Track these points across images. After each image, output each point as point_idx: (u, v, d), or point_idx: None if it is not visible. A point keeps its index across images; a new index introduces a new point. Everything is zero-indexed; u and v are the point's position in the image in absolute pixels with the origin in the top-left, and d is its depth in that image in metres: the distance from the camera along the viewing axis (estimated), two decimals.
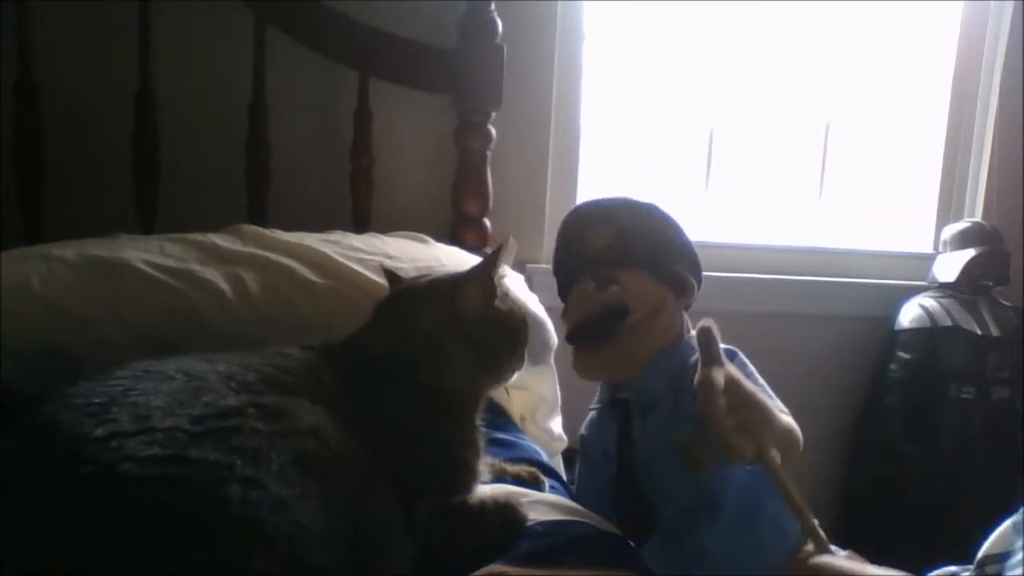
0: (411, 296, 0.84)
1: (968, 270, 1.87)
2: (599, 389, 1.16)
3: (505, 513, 0.79)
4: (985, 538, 0.63)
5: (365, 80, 1.56)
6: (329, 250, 1.21)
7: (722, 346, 0.93)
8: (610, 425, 1.09)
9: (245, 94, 1.52)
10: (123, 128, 1.47)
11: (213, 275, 1.13)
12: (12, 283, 1.05)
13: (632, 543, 0.91)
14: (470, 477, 0.79)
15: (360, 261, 1.19)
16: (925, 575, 0.65)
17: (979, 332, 1.83)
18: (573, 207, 1.19)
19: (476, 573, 0.71)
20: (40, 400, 0.61)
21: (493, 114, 1.60)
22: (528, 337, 0.87)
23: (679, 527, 0.97)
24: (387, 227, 1.47)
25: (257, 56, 1.51)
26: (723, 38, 2.01)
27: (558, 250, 1.16)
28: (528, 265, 1.78)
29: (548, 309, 1.29)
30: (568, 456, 1.38)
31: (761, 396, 0.79)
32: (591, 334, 1.06)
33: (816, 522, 0.74)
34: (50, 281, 1.07)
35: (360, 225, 1.57)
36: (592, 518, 0.88)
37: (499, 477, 0.91)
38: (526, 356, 0.88)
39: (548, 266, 1.80)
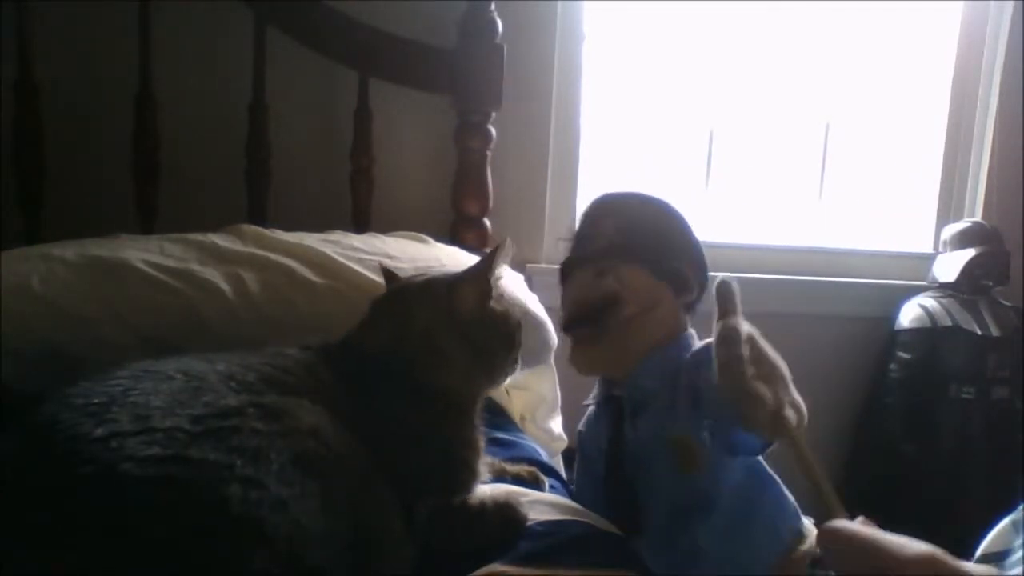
0: (407, 294, 0.84)
1: (968, 270, 1.87)
2: (596, 385, 1.16)
3: (505, 513, 0.79)
4: (983, 536, 0.63)
5: (365, 80, 1.56)
6: (329, 250, 1.21)
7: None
8: (604, 422, 1.09)
9: (245, 94, 1.52)
10: (123, 128, 1.47)
11: (213, 275, 1.13)
12: (12, 283, 1.05)
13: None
14: (470, 477, 0.79)
15: (360, 261, 1.19)
16: None
17: (979, 332, 1.82)
18: (591, 200, 1.17)
19: (476, 573, 0.71)
20: (40, 400, 0.61)
21: (493, 114, 1.60)
22: (521, 340, 0.87)
23: (672, 526, 0.96)
24: (387, 227, 1.47)
25: (257, 56, 1.51)
26: (723, 38, 2.01)
27: (574, 239, 1.15)
28: (528, 265, 1.78)
29: (548, 309, 1.29)
30: (568, 456, 1.38)
31: (778, 358, 0.77)
32: (582, 322, 1.06)
33: (832, 490, 0.71)
34: (50, 281, 1.07)
35: (360, 225, 1.57)
36: (592, 518, 0.88)
37: (499, 477, 0.91)
38: (519, 359, 0.88)
39: (548, 266, 1.82)
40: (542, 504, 0.86)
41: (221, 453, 0.55)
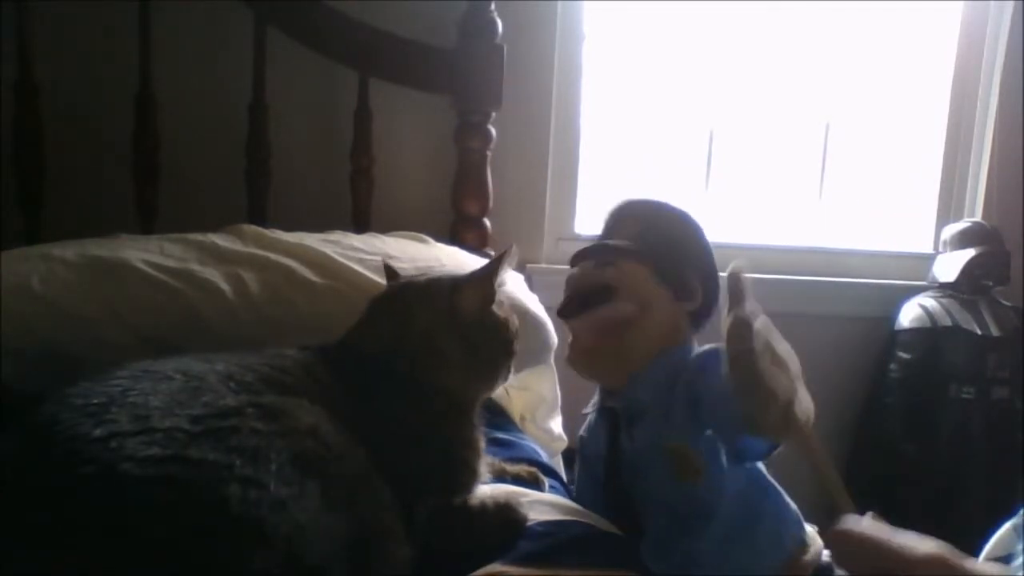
0: (408, 294, 0.84)
1: (968, 270, 1.87)
2: (597, 392, 1.16)
3: (505, 513, 0.79)
4: (985, 541, 0.63)
5: (365, 80, 1.56)
6: (329, 250, 1.21)
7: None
8: (602, 431, 1.09)
9: (245, 94, 1.52)
10: (123, 128, 1.47)
11: (213, 275, 1.13)
12: (12, 283, 1.05)
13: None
14: (470, 477, 0.79)
15: (360, 261, 1.19)
16: None
17: (979, 332, 1.82)
18: (616, 201, 1.18)
19: (476, 573, 0.71)
20: (40, 400, 0.61)
21: (493, 114, 1.60)
22: (516, 349, 0.87)
23: (671, 535, 0.96)
24: (387, 227, 1.47)
25: (257, 56, 1.51)
26: (723, 38, 2.01)
27: (599, 239, 1.16)
28: (528, 265, 1.78)
29: (548, 309, 1.29)
30: (568, 456, 1.38)
31: (790, 350, 0.75)
32: (573, 308, 1.06)
33: (842, 486, 0.70)
34: (50, 281, 1.07)
35: (360, 225, 1.57)
36: (592, 518, 0.88)
37: (499, 477, 0.91)
38: (512, 368, 0.87)
39: (548, 266, 1.82)
40: (542, 504, 0.86)
41: (220, 453, 0.55)
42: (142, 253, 1.14)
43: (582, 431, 1.17)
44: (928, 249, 2.10)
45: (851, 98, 2.10)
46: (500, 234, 1.64)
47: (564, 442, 1.38)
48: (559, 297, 1.15)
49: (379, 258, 1.17)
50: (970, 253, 1.88)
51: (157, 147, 1.49)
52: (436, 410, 0.77)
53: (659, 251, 1.06)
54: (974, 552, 0.64)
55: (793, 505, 0.99)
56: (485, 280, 0.82)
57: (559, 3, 1.77)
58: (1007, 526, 0.62)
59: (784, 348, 0.73)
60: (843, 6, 2.05)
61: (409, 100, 1.63)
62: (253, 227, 1.28)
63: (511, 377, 0.89)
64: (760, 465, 0.97)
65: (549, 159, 1.81)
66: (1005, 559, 0.59)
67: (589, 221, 1.93)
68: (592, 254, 1.09)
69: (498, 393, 1.21)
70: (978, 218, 2.02)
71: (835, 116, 2.10)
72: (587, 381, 1.17)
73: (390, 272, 0.93)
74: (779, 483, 0.99)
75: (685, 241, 1.09)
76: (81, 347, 1.03)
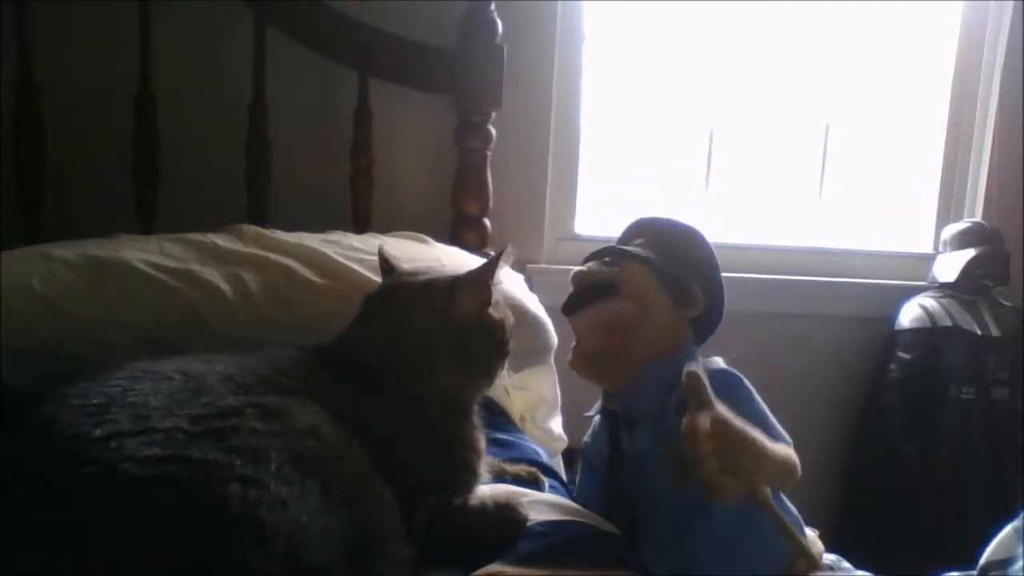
0: (404, 295, 0.83)
1: (968, 270, 1.87)
2: (600, 396, 1.17)
3: (505, 514, 0.79)
4: (987, 544, 0.63)
5: (365, 80, 1.57)
6: (329, 250, 1.21)
7: (722, 369, 0.93)
8: (603, 433, 1.10)
9: (245, 94, 1.52)
10: (123, 128, 1.47)
11: (213, 275, 1.13)
12: (12, 283, 1.05)
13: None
14: (470, 478, 0.79)
15: (360, 261, 1.19)
16: None
17: (979, 332, 1.82)
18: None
19: (476, 573, 0.71)
20: (40, 400, 0.61)
21: (493, 114, 1.60)
22: (509, 349, 0.87)
23: (670, 537, 0.96)
24: (387, 227, 1.47)
25: (257, 56, 1.51)
26: (723, 38, 2.01)
27: None
28: (528, 265, 1.78)
29: (548, 309, 1.29)
30: (568, 456, 1.38)
31: (752, 433, 0.79)
32: (575, 303, 1.09)
33: (809, 549, 0.75)
34: (50, 281, 1.07)
35: (360, 225, 1.57)
36: (592, 518, 0.88)
37: (499, 477, 0.91)
38: (508, 365, 0.87)
39: (548, 266, 1.82)
40: (542, 504, 0.86)
41: (220, 453, 0.55)
42: (142, 253, 1.14)
43: (586, 436, 1.18)
44: (928, 249, 2.10)
45: (851, 98, 2.10)
46: (500, 234, 1.64)
47: (564, 442, 1.38)
48: (559, 297, 1.15)
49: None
50: (970, 253, 1.88)
51: (157, 147, 1.49)
52: (432, 411, 0.77)
53: (663, 258, 1.08)
54: (974, 551, 0.64)
55: (794, 509, 0.99)
56: (481, 282, 0.82)
57: (559, 3, 1.77)
58: (1008, 529, 0.62)
59: (744, 436, 0.77)
60: (843, 6, 2.05)
61: (409, 100, 1.63)
62: (253, 227, 1.28)
63: (511, 377, 0.89)
64: None
65: (549, 159, 1.81)
66: (1007, 562, 0.60)
67: (589, 221, 1.93)
68: (599, 255, 1.11)
69: (498, 393, 1.21)
70: (978, 218, 2.02)
71: (835, 116, 2.10)
72: (587, 382, 1.17)
73: (385, 263, 0.91)
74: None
75: (690, 252, 1.13)
76: (81, 347, 1.03)
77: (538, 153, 1.80)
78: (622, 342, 1.05)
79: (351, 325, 0.83)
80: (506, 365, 0.87)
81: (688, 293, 1.08)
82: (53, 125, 1.46)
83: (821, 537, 1.07)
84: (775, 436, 0.88)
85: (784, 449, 0.88)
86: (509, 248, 0.84)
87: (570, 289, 1.12)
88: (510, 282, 1.32)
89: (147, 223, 1.48)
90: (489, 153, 1.62)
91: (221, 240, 1.22)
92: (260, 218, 1.50)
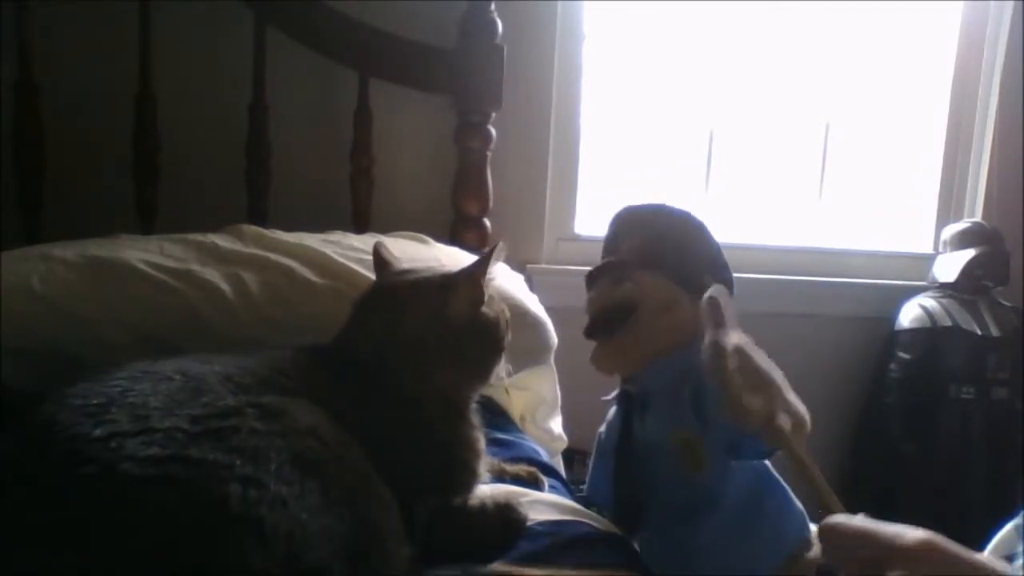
0: (398, 295, 0.82)
1: (968, 270, 1.87)
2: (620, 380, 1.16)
3: (505, 514, 0.79)
4: (986, 542, 0.63)
5: (365, 80, 1.57)
6: (329, 250, 1.21)
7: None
8: (617, 417, 1.09)
9: (245, 94, 1.52)
10: (123, 128, 1.47)
11: (213, 275, 1.13)
12: (12, 283, 1.05)
13: (628, 538, 0.91)
14: (470, 478, 0.79)
15: (360, 261, 1.19)
16: None
17: (979, 332, 1.82)
18: (616, 211, 1.19)
19: (476, 573, 0.71)
20: (40, 400, 0.61)
21: (493, 114, 1.60)
22: (505, 345, 0.86)
23: (675, 524, 0.97)
24: (387, 227, 1.47)
25: (257, 56, 1.51)
26: (723, 38, 2.01)
27: (603, 252, 1.17)
28: (528, 265, 1.78)
29: (548, 309, 1.29)
30: (568, 456, 1.38)
31: (772, 366, 0.78)
32: (599, 329, 1.07)
33: (829, 489, 0.72)
34: (50, 281, 1.07)
35: (360, 225, 1.57)
36: (592, 518, 0.88)
37: (498, 477, 0.91)
38: (506, 362, 0.87)
39: (548, 266, 1.82)
40: (542, 504, 0.86)
41: (220, 453, 0.55)
42: (142, 253, 1.14)
43: (601, 428, 1.18)
44: (928, 249, 2.10)
45: (851, 98, 2.09)
46: (500, 234, 1.64)
47: (564, 442, 1.38)
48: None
49: None
50: (970, 253, 1.88)
51: (157, 147, 1.49)
52: (431, 410, 0.77)
53: (668, 256, 1.07)
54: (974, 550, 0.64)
55: (800, 505, 0.99)
56: (473, 280, 0.81)
57: (559, 3, 1.77)
58: (1009, 527, 0.62)
59: (764, 364, 0.75)
60: (843, 6, 2.05)
61: (409, 100, 1.63)
62: (253, 227, 1.28)
63: (511, 377, 0.89)
64: (768, 463, 0.97)
65: (549, 159, 1.81)
66: (1007, 560, 0.60)
67: (589, 221, 1.93)
68: (605, 272, 1.10)
69: (498, 393, 1.21)
70: (978, 218, 2.02)
71: (835, 116, 2.10)
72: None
73: (380, 260, 0.90)
74: (785, 482, 0.99)
75: (692, 242, 1.11)
76: (81, 347, 1.03)
77: (538, 153, 1.80)
78: (645, 340, 1.04)
79: (346, 325, 0.82)
80: (504, 362, 0.87)
81: (700, 285, 1.07)
82: (53, 125, 1.46)
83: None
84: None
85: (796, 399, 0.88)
86: (501, 244, 0.84)
87: (571, 289, 1.11)
88: (509, 282, 1.32)
89: (147, 223, 1.48)
90: (489, 153, 1.62)
91: (221, 240, 1.22)
92: (260, 218, 1.50)
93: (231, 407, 0.60)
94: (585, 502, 0.97)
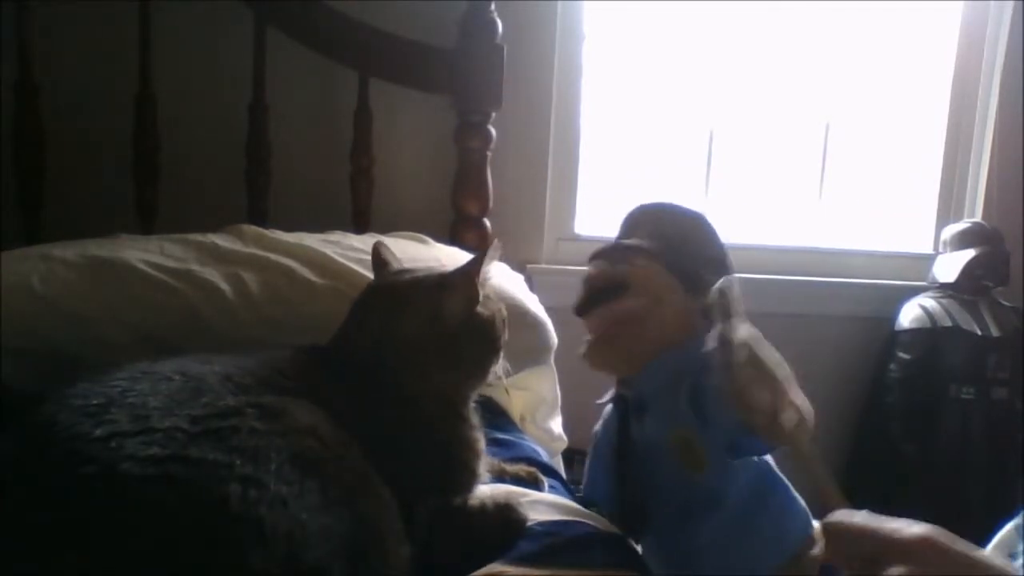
0: (393, 295, 0.82)
1: (968, 270, 1.87)
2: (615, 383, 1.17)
3: (505, 514, 0.79)
4: (987, 541, 0.63)
5: (365, 80, 1.57)
6: (329, 250, 1.21)
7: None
8: (613, 420, 1.10)
9: (245, 94, 1.52)
10: (123, 128, 1.47)
11: (213, 275, 1.13)
12: (12, 283, 1.05)
13: (631, 540, 0.91)
14: (470, 478, 0.79)
15: (360, 261, 1.19)
16: None
17: (979, 332, 1.82)
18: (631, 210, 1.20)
19: (476, 573, 0.71)
20: (40, 400, 0.61)
21: (493, 114, 1.60)
22: (502, 345, 0.86)
23: (676, 524, 0.97)
24: (387, 227, 1.47)
25: (257, 56, 1.51)
26: (723, 38, 2.01)
27: None
28: (528, 265, 1.78)
29: (548, 309, 1.29)
30: (568, 456, 1.38)
31: (780, 360, 0.77)
32: (589, 302, 1.08)
33: (833, 484, 0.72)
34: (50, 281, 1.07)
35: (360, 225, 1.57)
36: (592, 518, 0.88)
37: (498, 477, 0.91)
38: (504, 360, 0.87)
39: (548, 266, 1.82)
40: (542, 504, 0.86)
41: (220, 452, 0.55)
42: (142, 253, 1.14)
43: (597, 426, 1.18)
44: (928, 249, 2.10)
45: (851, 98, 2.10)
46: (500, 234, 1.64)
47: (564, 442, 1.38)
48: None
49: None
50: (970, 253, 1.88)
51: (157, 147, 1.49)
52: (430, 411, 0.77)
53: (670, 247, 1.07)
54: None
55: (803, 503, 0.99)
56: (468, 279, 0.81)
57: (559, 3, 1.77)
58: (1009, 526, 0.62)
59: (772, 359, 0.75)
60: (843, 6, 2.05)
61: (409, 100, 1.63)
62: (253, 227, 1.28)
63: (510, 376, 0.89)
64: (770, 460, 0.97)
65: (549, 159, 1.81)
66: (1007, 559, 0.60)
67: (589, 221, 1.93)
68: (606, 253, 1.11)
69: (498, 393, 1.21)
70: (978, 218, 2.03)
71: (835, 116, 2.10)
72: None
73: (378, 259, 0.90)
74: (791, 481, 0.99)
75: (695, 238, 1.11)
76: (81, 347, 1.03)
77: (538, 153, 1.80)
78: (635, 333, 1.04)
79: (344, 325, 0.82)
80: (502, 360, 0.86)
81: (698, 280, 1.07)
82: (53, 125, 1.46)
83: None
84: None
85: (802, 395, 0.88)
86: (496, 243, 0.83)
87: (575, 289, 1.12)
88: (509, 281, 1.32)
89: (147, 223, 1.48)
90: (489, 153, 1.62)
91: (221, 240, 1.22)
92: (260, 218, 1.50)
93: (231, 407, 0.60)
94: (584, 502, 0.97)
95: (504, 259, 1.41)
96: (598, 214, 1.94)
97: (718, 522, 0.94)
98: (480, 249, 1.53)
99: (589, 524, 0.85)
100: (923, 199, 2.14)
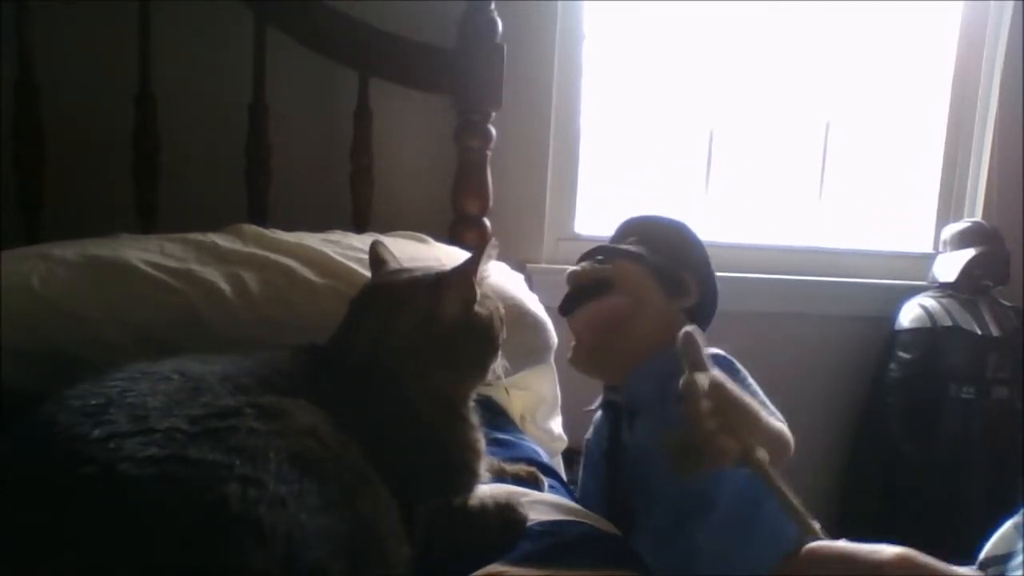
0: (390, 295, 0.82)
1: (968, 270, 1.87)
2: (602, 391, 1.18)
3: (505, 514, 0.79)
4: (986, 540, 0.63)
5: (365, 80, 1.57)
6: (329, 250, 1.21)
7: (715, 352, 0.94)
8: (604, 426, 1.11)
9: (245, 94, 1.52)
10: (123, 128, 1.47)
11: (213, 275, 1.13)
12: (12, 283, 1.05)
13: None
14: (470, 478, 0.79)
15: (360, 261, 1.19)
16: None
17: (979, 332, 1.82)
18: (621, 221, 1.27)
19: (476, 573, 0.71)
20: (40, 400, 0.61)
21: (493, 114, 1.60)
22: (499, 344, 0.86)
23: (671, 528, 0.97)
24: (387, 227, 1.47)
25: (257, 56, 1.51)
26: (723, 38, 2.01)
27: None
28: (528, 265, 1.78)
29: (548, 309, 1.29)
30: (568, 456, 1.38)
31: (748, 399, 0.79)
32: (572, 301, 1.12)
33: (814, 522, 0.73)
34: (50, 281, 1.07)
35: (360, 225, 1.57)
36: (592, 518, 0.88)
37: (498, 477, 0.91)
38: (503, 359, 0.87)
39: (548, 266, 1.82)
40: (542, 504, 0.86)
41: (220, 453, 0.55)
42: (142, 253, 1.14)
43: (588, 434, 1.19)
44: (928, 249, 2.11)
45: (851, 98, 2.10)
46: (500, 234, 1.64)
47: (564, 442, 1.38)
48: (559, 297, 1.16)
49: None
50: (970, 253, 1.88)
51: (157, 147, 1.49)
52: (429, 410, 0.77)
53: (655, 252, 1.11)
54: (974, 551, 0.64)
55: (799, 505, 0.99)
56: (464, 278, 0.81)
57: (559, 3, 1.77)
58: (1008, 524, 0.62)
59: (740, 399, 0.77)
60: (843, 6, 2.05)
61: (409, 100, 1.63)
62: (253, 227, 1.28)
63: (509, 376, 0.89)
64: None
65: (549, 159, 1.81)
66: (1006, 557, 0.59)
67: (589, 221, 1.93)
68: (592, 255, 1.14)
69: (498, 393, 1.21)
70: (978, 218, 2.03)
71: (835, 116, 2.10)
72: (588, 380, 1.18)
73: (375, 258, 0.90)
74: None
75: (680, 245, 1.17)
76: (81, 347, 1.03)
77: (538, 153, 1.80)
78: (618, 336, 1.07)
79: (342, 325, 0.82)
80: (501, 359, 0.86)
81: (681, 284, 1.11)
82: (53, 125, 1.46)
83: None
84: (769, 414, 0.89)
85: (777, 423, 0.89)
86: (493, 241, 0.83)
87: (566, 289, 1.14)
88: (509, 281, 1.32)
89: (147, 223, 1.48)
90: (489, 153, 1.62)
91: (221, 240, 1.22)
92: (260, 218, 1.50)
93: (230, 407, 0.60)
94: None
95: (504, 259, 1.41)
96: (598, 214, 1.94)
97: (713, 524, 0.95)
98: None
99: (589, 524, 0.85)
100: (923, 199, 2.14)
